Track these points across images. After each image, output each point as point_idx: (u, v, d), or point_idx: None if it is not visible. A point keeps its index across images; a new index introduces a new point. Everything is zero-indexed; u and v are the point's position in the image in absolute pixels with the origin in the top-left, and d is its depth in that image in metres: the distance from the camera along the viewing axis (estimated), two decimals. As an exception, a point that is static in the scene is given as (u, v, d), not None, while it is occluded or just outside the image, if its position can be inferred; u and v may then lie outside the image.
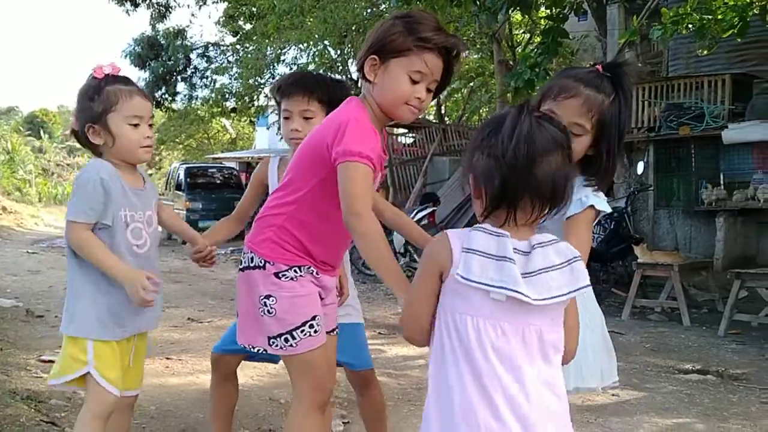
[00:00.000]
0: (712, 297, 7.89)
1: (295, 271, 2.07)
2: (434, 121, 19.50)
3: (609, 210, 2.04)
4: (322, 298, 2.15)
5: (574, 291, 1.50)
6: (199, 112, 24.25)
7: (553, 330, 1.53)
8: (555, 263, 1.49)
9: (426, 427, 1.53)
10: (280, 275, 2.06)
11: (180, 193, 18.21)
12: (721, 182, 9.56)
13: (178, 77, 21.35)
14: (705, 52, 9.97)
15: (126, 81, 2.22)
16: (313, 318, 2.07)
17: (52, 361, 4.47)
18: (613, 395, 4.27)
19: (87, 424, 2.19)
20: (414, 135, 18.20)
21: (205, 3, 20.99)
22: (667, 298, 7.52)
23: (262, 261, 2.07)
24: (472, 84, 20.70)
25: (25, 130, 48.34)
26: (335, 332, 2.26)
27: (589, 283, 1.52)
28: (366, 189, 1.91)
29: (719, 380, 4.83)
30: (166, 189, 20.03)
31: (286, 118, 2.55)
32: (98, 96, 2.15)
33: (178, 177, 18.93)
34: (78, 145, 2.41)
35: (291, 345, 2.05)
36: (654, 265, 7.49)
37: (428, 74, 1.99)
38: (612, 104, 1.95)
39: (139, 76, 21.05)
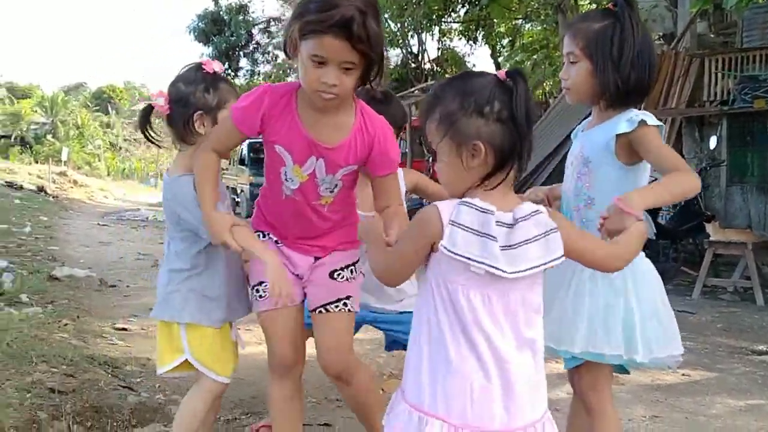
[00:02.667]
0: (787, 277, 7.63)
1: (259, 236, 2.25)
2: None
3: (657, 123, 2.04)
4: (295, 275, 2.25)
5: (549, 262, 1.57)
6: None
7: (535, 293, 1.62)
8: (534, 235, 1.55)
9: (418, 391, 1.61)
10: None
11: (243, 167, 18.48)
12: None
13: (241, 53, 21.61)
14: (783, 21, 9.57)
15: (231, 83, 2.39)
16: (260, 283, 2.22)
17: (126, 329, 4.63)
18: (683, 375, 4.18)
19: (191, 410, 2.28)
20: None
21: (266, -22, 21.15)
22: (740, 277, 7.30)
23: None
24: (535, 56, 20.33)
25: (93, 106, 49.79)
26: (319, 311, 2.26)
27: (562, 253, 1.58)
28: (214, 132, 2.19)
29: (795, 362, 4.67)
30: (229, 164, 20.35)
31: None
32: (214, 90, 2.28)
33: (242, 152, 19.21)
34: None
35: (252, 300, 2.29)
36: (727, 243, 7.25)
37: (330, 57, 1.88)
38: (602, 28, 2.06)
39: (202, 52, 21.40)
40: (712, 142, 9.90)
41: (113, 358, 3.82)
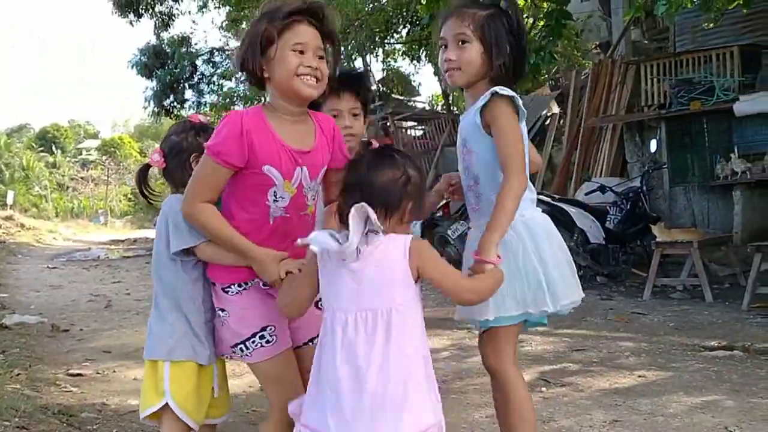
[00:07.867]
0: (733, 271, 7.83)
1: (239, 285, 2.19)
2: (443, 112, 19.47)
3: (511, 94, 2.13)
4: None
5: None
6: (208, 118, 24.24)
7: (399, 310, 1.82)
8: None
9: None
10: (226, 290, 2.20)
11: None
12: (736, 155, 9.45)
13: (186, 84, 21.40)
14: (711, 25, 9.90)
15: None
16: (264, 329, 2.17)
17: (81, 375, 4.53)
18: (639, 376, 4.26)
19: None
20: (423, 127, 18.19)
21: (207, 9, 21.05)
22: (688, 275, 7.47)
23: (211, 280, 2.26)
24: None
25: (38, 147, 48.71)
26: (313, 343, 2.22)
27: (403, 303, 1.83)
28: (195, 183, 2.10)
29: (746, 355, 4.79)
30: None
31: (335, 116, 2.52)
32: (204, 133, 2.35)
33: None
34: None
35: (247, 354, 2.19)
36: (673, 243, 7.44)
37: (308, 43, 2.08)
38: (493, 14, 2.17)
39: (146, 86, 21.15)
40: (653, 145, 10.16)
41: (68, 406, 3.73)
